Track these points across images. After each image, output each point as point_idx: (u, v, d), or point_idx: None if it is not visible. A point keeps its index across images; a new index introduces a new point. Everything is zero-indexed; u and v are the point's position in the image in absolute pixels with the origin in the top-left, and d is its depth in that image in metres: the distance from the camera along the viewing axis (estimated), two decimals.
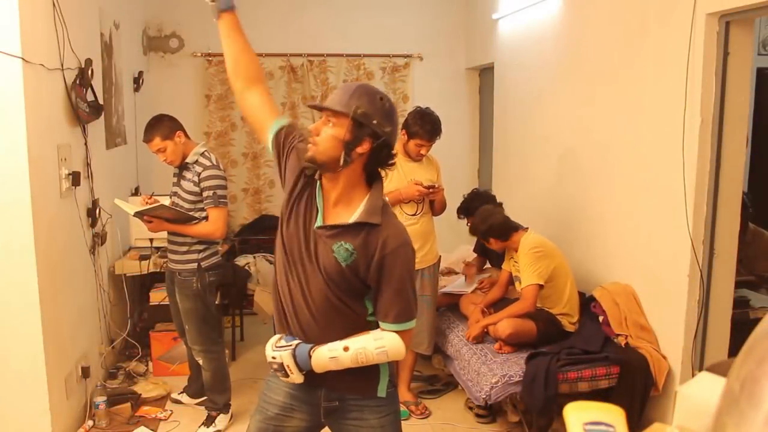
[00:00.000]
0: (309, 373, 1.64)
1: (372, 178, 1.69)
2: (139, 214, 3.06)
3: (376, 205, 1.64)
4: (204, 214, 3.06)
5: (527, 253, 3.14)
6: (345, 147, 1.59)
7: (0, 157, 2.61)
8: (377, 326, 1.67)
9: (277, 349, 1.65)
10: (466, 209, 3.62)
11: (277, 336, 1.70)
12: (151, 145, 3.05)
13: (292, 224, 1.69)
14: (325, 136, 1.60)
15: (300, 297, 1.68)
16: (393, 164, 1.71)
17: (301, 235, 1.67)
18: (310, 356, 1.61)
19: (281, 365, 1.63)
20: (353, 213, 1.64)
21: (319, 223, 1.66)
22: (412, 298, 1.67)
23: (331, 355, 1.60)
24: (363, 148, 1.60)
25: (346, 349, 1.59)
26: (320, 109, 1.64)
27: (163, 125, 3.05)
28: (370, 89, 1.64)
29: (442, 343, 3.55)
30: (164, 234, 3.25)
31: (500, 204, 3.70)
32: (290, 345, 1.64)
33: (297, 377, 1.63)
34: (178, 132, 3.06)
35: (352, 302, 1.67)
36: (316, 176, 1.69)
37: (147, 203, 3.08)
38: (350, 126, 1.58)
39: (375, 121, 1.59)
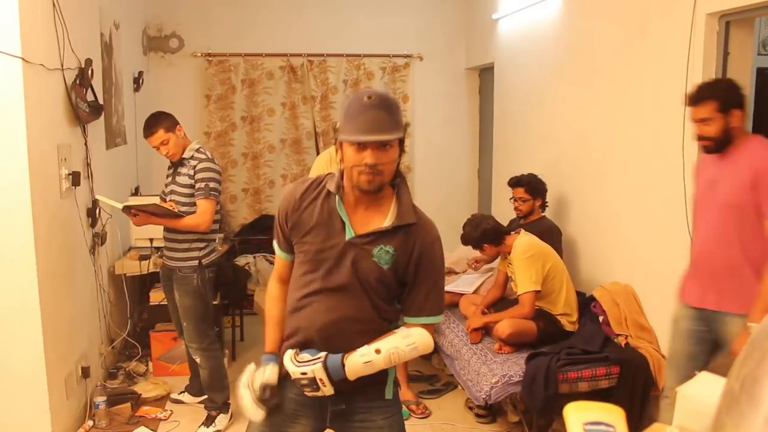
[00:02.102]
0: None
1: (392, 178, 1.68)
2: (127, 209, 3.06)
3: (408, 205, 1.66)
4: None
5: (521, 258, 3.15)
6: (397, 164, 1.63)
7: (0, 157, 2.61)
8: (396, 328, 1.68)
9: (303, 364, 1.60)
10: (518, 181, 3.70)
11: (291, 351, 1.65)
12: (154, 138, 3.06)
13: (315, 245, 1.66)
14: (388, 162, 1.58)
15: (330, 314, 1.64)
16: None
17: (326, 252, 1.64)
18: (343, 365, 1.58)
19: (313, 380, 1.59)
20: (385, 216, 1.64)
21: (350, 234, 1.63)
22: (443, 292, 1.73)
23: (364, 360, 1.58)
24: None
25: (377, 351, 1.57)
26: (384, 142, 1.56)
27: (164, 119, 3.08)
28: (388, 96, 1.65)
29: (442, 342, 3.55)
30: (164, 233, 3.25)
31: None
32: (318, 358, 1.60)
33: (329, 389, 1.60)
34: (178, 126, 3.11)
35: (386, 309, 1.68)
36: (334, 190, 1.65)
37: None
38: (399, 142, 1.60)
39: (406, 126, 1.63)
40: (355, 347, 1.60)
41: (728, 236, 2.33)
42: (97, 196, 3.32)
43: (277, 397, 1.68)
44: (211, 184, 3.05)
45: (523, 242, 3.22)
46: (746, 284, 2.28)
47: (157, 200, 3.26)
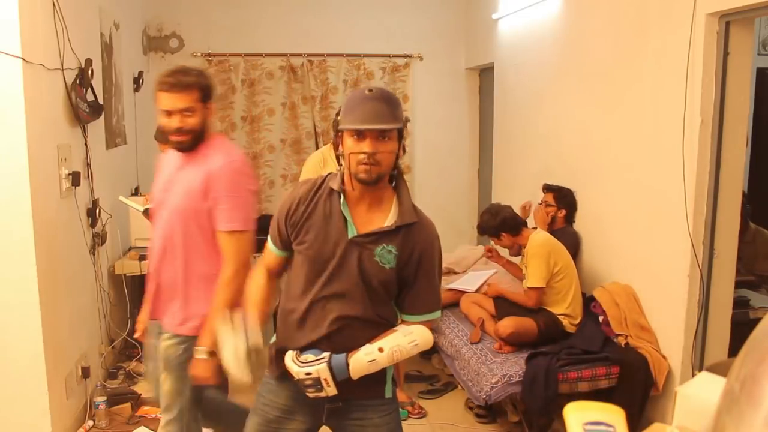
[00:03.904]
0: None
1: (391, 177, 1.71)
2: (148, 212, 3.06)
3: (408, 204, 1.68)
4: None
5: (536, 252, 3.15)
6: (396, 157, 1.65)
7: (0, 157, 2.61)
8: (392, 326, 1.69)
9: (306, 365, 1.60)
10: (549, 187, 3.75)
11: (293, 352, 1.65)
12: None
13: (315, 244, 1.65)
14: (386, 152, 1.60)
15: (336, 321, 1.65)
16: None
17: (328, 251, 1.64)
18: (347, 364, 1.59)
19: (317, 380, 1.59)
20: (386, 215, 1.67)
21: (353, 233, 1.64)
22: (439, 287, 1.78)
23: (369, 359, 1.59)
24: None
25: (381, 350, 1.60)
26: (383, 130, 1.58)
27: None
28: (389, 91, 1.70)
29: (442, 342, 3.55)
30: None
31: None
32: (322, 358, 1.60)
33: (333, 389, 1.60)
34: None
35: (385, 311, 1.70)
36: (338, 188, 1.66)
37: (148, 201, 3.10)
38: (398, 135, 1.63)
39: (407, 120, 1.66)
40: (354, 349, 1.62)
41: (175, 248, 2.10)
42: (120, 198, 3.32)
43: (264, 357, 1.64)
44: None
45: (541, 237, 3.24)
46: (188, 302, 2.10)
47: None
